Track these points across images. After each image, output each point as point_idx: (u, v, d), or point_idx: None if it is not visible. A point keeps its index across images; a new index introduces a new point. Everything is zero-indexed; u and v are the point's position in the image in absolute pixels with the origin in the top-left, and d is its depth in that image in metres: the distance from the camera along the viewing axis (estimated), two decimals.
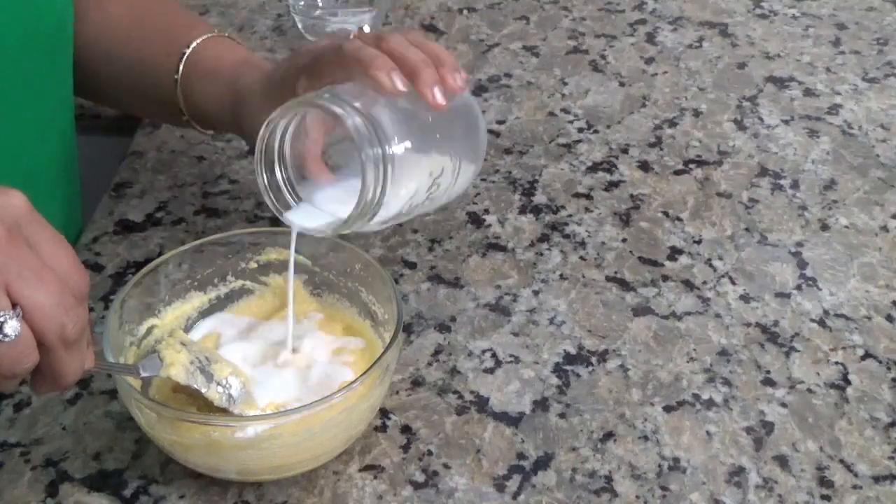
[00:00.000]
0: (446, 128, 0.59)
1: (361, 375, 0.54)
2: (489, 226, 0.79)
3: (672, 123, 0.92)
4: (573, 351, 0.67)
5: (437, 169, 0.58)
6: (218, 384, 0.57)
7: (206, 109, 0.70)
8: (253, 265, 0.65)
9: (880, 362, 0.67)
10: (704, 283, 0.73)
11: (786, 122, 0.93)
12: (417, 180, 0.57)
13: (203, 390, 0.56)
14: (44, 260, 0.44)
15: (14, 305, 0.43)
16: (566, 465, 0.59)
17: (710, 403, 0.63)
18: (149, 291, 0.61)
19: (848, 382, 0.65)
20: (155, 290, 0.62)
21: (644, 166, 0.86)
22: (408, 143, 0.55)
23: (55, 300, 0.44)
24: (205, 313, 0.65)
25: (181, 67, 0.70)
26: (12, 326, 0.43)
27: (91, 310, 0.69)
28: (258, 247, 0.65)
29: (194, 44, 0.71)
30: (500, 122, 0.92)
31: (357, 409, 0.55)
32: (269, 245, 0.65)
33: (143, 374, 0.56)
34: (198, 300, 0.64)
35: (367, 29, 1.05)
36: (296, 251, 0.63)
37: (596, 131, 0.91)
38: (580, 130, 0.91)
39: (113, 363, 0.56)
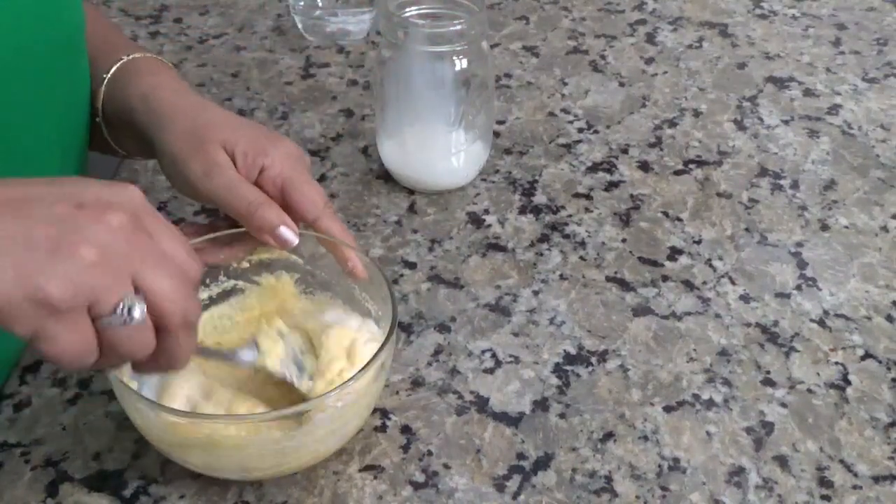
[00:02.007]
0: None
1: (358, 372, 0.54)
2: (489, 226, 0.79)
3: (672, 123, 0.92)
4: (573, 351, 0.67)
5: None
6: (310, 377, 0.58)
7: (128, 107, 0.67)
8: (245, 265, 0.65)
9: (880, 362, 0.67)
10: (704, 283, 0.73)
11: (786, 123, 0.93)
12: None
13: (295, 382, 0.58)
14: (163, 249, 0.47)
15: (137, 291, 0.45)
16: (566, 465, 0.59)
17: (710, 403, 0.63)
18: None
19: (848, 382, 0.65)
20: None
21: (644, 166, 0.86)
22: None
23: (177, 287, 0.46)
24: None
25: (113, 69, 0.68)
26: (140, 310, 0.45)
27: None
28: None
29: (134, 55, 0.69)
30: (500, 123, 0.92)
31: (355, 406, 0.55)
32: (262, 244, 0.64)
33: (241, 360, 0.59)
34: None
35: (365, 24, 1.05)
36: (288, 250, 0.63)
37: (596, 131, 0.91)
38: (580, 130, 0.91)
39: (212, 349, 0.59)
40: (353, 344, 0.60)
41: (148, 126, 0.64)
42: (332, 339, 0.61)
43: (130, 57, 0.69)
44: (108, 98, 0.68)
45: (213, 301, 0.65)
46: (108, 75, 0.68)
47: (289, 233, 0.60)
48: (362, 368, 0.54)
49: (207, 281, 0.64)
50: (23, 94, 0.62)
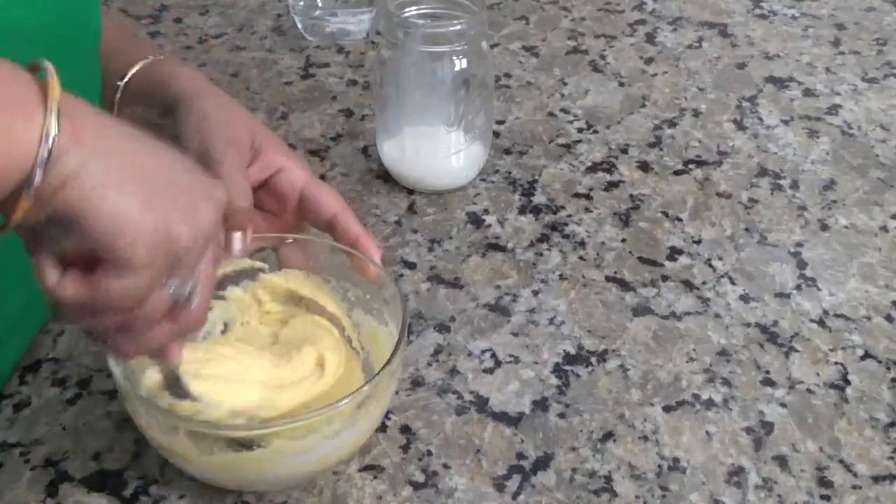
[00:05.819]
0: None
1: (369, 380, 0.53)
2: (489, 226, 0.79)
3: (672, 123, 0.92)
4: (573, 351, 0.67)
5: None
6: None
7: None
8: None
9: (880, 362, 0.67)
10: (704, 283, 0.73)
11: (785, 123, 0.93)
12: None
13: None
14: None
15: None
16: (566, 465, 0.59)
17: (709, 403, 0.63)
18: None
19: (848, 382, 0.65)
20: None
21: (644, 166, 0.86)
22: None
23: (208, 291, 0.49)
24: None
25: (152, 58, 0.69)
26: (197, 296, 0.48)
27: None
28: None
29: (156, 56, 0.70)
30: (500, 122, 0.92)
31: (367, 415, 0.55)
32: (224, 259, 0.62)
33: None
34: None
35: (365, 24, 1.05)
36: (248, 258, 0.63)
37: (596, 131, 0.91)
38: (580, 130, 0.91)
39: None
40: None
41: (183, 93, 0.65)
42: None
43: (169, 55, 0.70)
44: (143, 72, 0.68)
45: None
46: (148, 60, 0.69)
47: (238, 243, 0.59)
48: (374, 376, 0.53)
49: None
50: None
